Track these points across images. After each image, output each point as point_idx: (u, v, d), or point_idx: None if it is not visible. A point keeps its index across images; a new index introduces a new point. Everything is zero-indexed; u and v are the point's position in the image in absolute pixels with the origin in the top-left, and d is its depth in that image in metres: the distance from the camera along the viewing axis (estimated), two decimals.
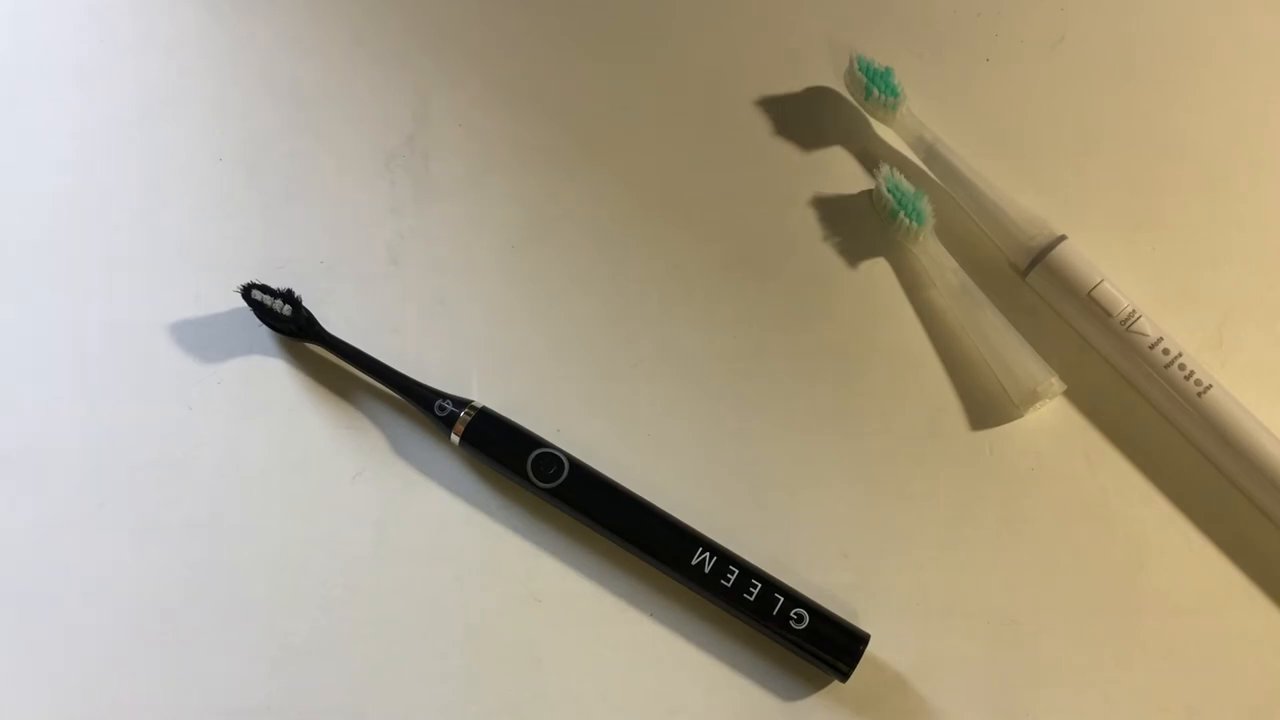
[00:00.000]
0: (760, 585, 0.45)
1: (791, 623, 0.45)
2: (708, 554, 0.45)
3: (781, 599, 0.45)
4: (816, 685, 0.46)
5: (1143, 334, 0.49)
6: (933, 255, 0.51)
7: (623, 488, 0.47)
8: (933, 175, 0.53)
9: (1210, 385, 0.48)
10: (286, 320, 0.48)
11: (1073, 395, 0.50)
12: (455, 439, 0.47)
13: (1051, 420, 0.50)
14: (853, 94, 0.54)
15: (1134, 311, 0.49)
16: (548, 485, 0.47)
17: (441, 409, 0.47)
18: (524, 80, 0.55)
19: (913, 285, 0.52)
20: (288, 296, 0.48)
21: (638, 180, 0.54)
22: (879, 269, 0.52)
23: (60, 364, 0.50)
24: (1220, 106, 0.55)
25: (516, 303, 0.51)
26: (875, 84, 0.52)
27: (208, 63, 0.55)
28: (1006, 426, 0.50)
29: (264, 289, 0.48)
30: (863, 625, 0.45)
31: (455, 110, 0.55)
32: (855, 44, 0.55)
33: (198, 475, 0.48)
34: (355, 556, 0.47)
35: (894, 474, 0.49)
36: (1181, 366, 0.48)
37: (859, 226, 0.53)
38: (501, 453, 0.47)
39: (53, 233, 0.52)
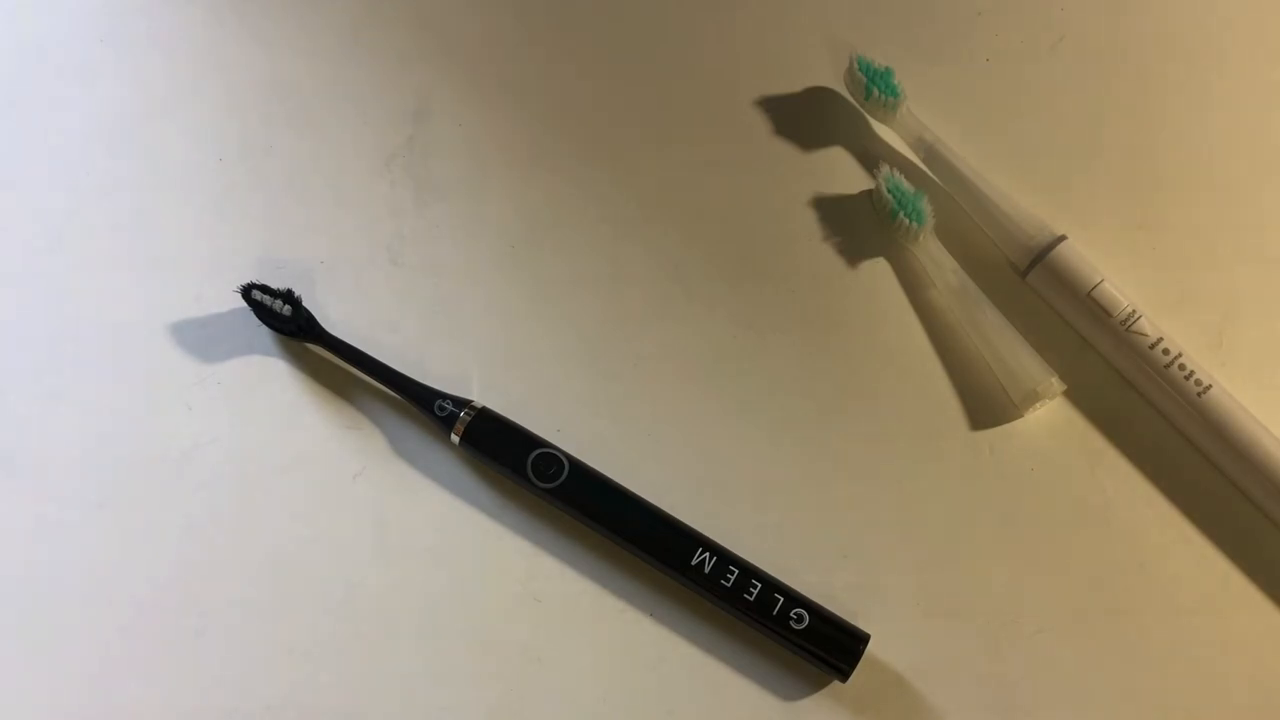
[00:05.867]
0: (760, 585, 0.45)
1: (791, 623, 0.45)
2: (708, 554, 0.45)
3: (781, 599, 0.45)
4: (816, 685, 0.46)
5: (1143, 334, 0.49)
6: (933, 255, 0.51)
7: (623, 488, 0.47)
8: (933, 175, 0.53)
9: (1210, 385, 0.48)
10: (286, 320, 0.48)
11: (1073, 395, 0.50)
12: (455, 439, 0.47)
13: (1051, 420, 0.50)
14: (853, 94, 0.54)
15: (1134, 311, 0.49)
16: (548, 485, 0.47)
17: (441, 409, 0.47)
18: (524, 80, 0.55)
19: (913, 285, 0.52)
20: (288, 296, 0.48)
21: (638, 180, 0.54)
22: (879, 269, 0.52)
23: (60, 364, 0.50)
24: (1220, 106, 0.55)
25: (516, 303, 0.51)
26: (875, 84, 0.52)
27: (208, 63, 0.55)
28: (1006, 426, 0.50)
29: (264, 289, 0.48)
30: (863, 625, 0.45)
31: (455, 110, 0.55)
32: (855, 44, 0.55)
33: (198, 475, 0.48)
34: (355, 556, 0.47)
35: (894, 474, 0.49)
36: (1181, 366, 0.48)
37: (859, 226, 0.53)
38: (501, 453, 0.47)
39: (53, 233, 0.52)
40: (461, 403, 0.48)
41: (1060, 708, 0.46)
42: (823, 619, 0.45)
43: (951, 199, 0.53)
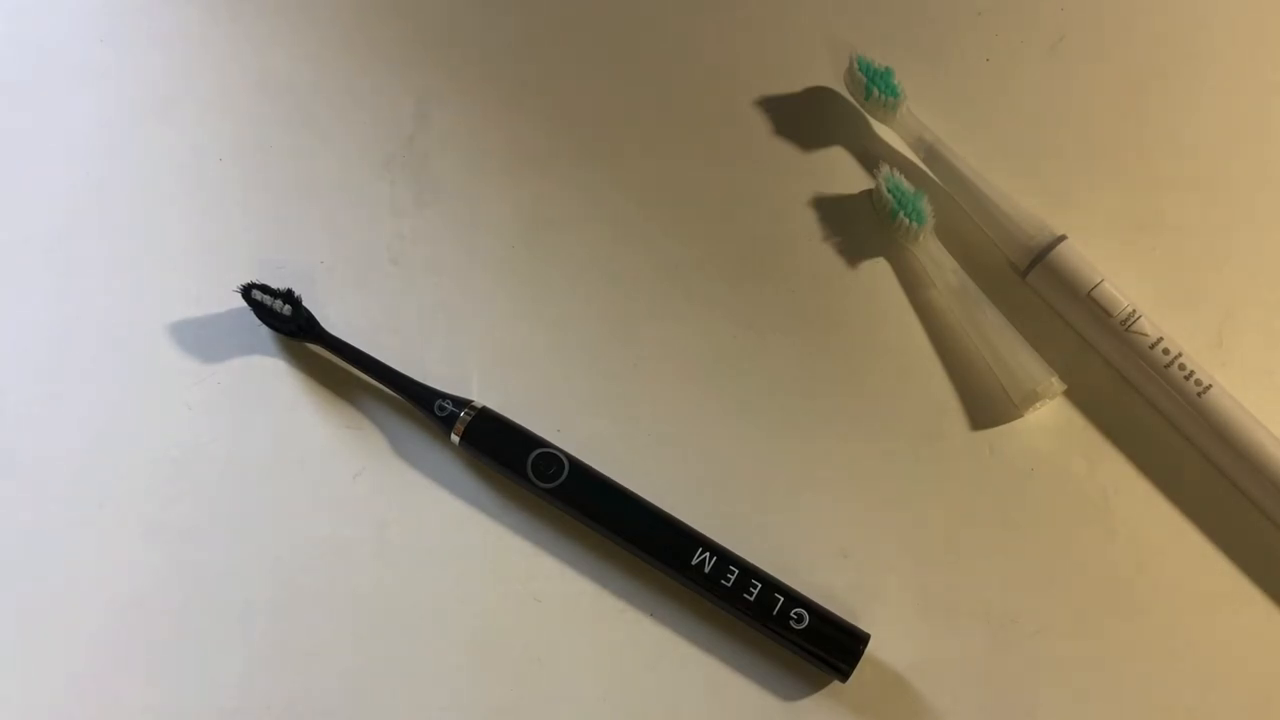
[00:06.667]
0: (760, 585, 0.45)
1: (791, 623, 0.45)
2: (708, 554, 0.45)
3: (781, 599, 0.45)
4: (816, 685, 0.46)
5: (1143, 334, 0.49)
6: (933, 255, 0.51)
7: (623, 488, 0.47)
8: (933, 175, 0.53)
9: (1210, 385, 0.48)
10: (286, 320, 0.48)
11: (1073, 395, 0.50)
12: (455, 439, 0.47)
13: (1051, 420, 0.50)
14: (853, 94, 0.54)
15: (1134, 311, 0.49)
16: (548, 485, 0.47)
17: (441, 409, 0.47)
18: (523, 80, 0.55)
19: (913, 285, 0.52)
20: (288, 296, 0.48)
21: (637, 180, 0.54)
22: (879, 269, 0.52)
23: (60, 364, 0.50)
24: (1221, 107, 0.55)
25: (516, 303, 0.51)
26: (875, 84, 0.52)
27: (208, 63, 0.55)
28: (1006, 426, 0.50)
29: (264, 289, 0.48)
30: (863, 625, 0.45)
31: (455, 110, 0.55)
32: (855, 44, 0.55)
33: (198, 475, 0.48)
34: (355, 556, 0.47)
35: (894, 474, 0.49)
36: (1181, 366, 0.48)
37: (859, 226, 0.53)
38: (501, 453, 0.47)
39: (53, 232, 0.52)
40: (461, 403, 0.48)
41: (1060, 708, 0.46)
42: (823, 619, 0.45)
43: (951, 199, 0.53)
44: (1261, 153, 0.54)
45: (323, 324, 0.49)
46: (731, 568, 0.45)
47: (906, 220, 0.50)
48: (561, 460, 0.47)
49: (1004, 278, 0.52)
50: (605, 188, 0.53)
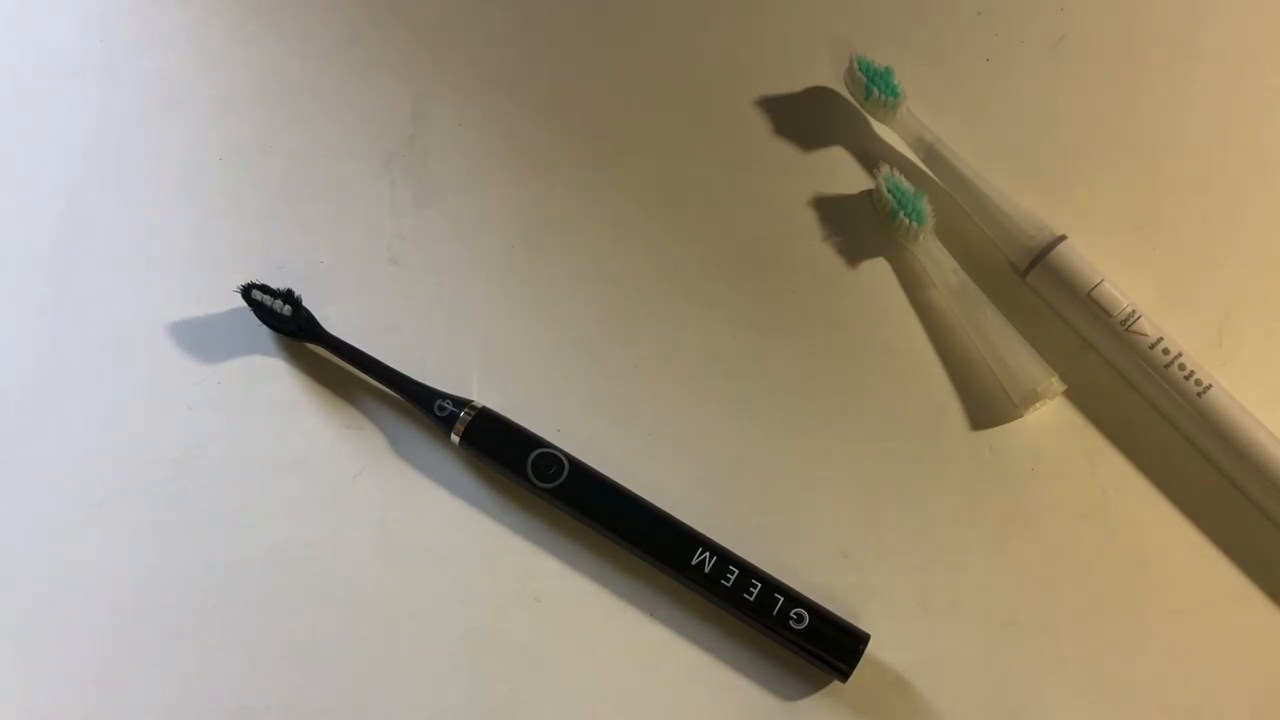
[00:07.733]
0: (760, 585, 0.45)
1: (791, 623, 0.45)
2: (708, 554, 0.45)
3: (781, 599, 0.45)
4: (816, 685, 0.46)
5: (1143, 334, 0.49)
6: (933, 255, 0.51)
7: (623, 488, 0.47)
8: (933, 175, 0.53)
9: (1210, 385, 0.48)
10: (286, 320, 0.48)
11: (1073, 395, 0.50)
12: (455, 439, 0.47)
13: (1051, 420, 0.50)
14: (853, 94, 0.54)
15: (1134, 311, 0.49)
16: (548, 485, 0.47)
17: (441, 409, 0.47)
18: (524, 80, 0.55)
19: (913, 285, 0.52)
20: (288, 296, 0.48)
21: (637, 180, 0.54)
22: (879, 269, 0.52)
23: (60, 364, 0.50)
24: (1220, 106, 0.55)
25: (516, 303, 0.51)
26: (875, 84, 0.52)
27: (208, 63, 0.55)
28: (1006, 426, 0.50)
29: (264, 289, 0.48)
30: (863, 625, 0.45)
31: (455, 110, 0.55)
32: (855, 44, 0.55)
33: (198, 475, 0.48)
34: (355, 556, 0.47)
35: (894, 474, 0.49)
36: (1181, 366, 0.48)
37: (859, 226, 0.53)
38: (501, 453, 0.47)
39: (53, 232, 0.52)
40: (461, 403, 0.48)
41: (1060, 707, 0.46)
42: (823, 619, 0.45)
43: (951, 199, 0.53)
44: (1261, 153, 0.54)
45: (323, 324, 0.49)
46: (731, 568, 0.45)
47: (906, 220, 0.50)
48: (561, 460, 0.47)
49: (1004, 278, 0.52)
50: (605, 188, 0.53)
